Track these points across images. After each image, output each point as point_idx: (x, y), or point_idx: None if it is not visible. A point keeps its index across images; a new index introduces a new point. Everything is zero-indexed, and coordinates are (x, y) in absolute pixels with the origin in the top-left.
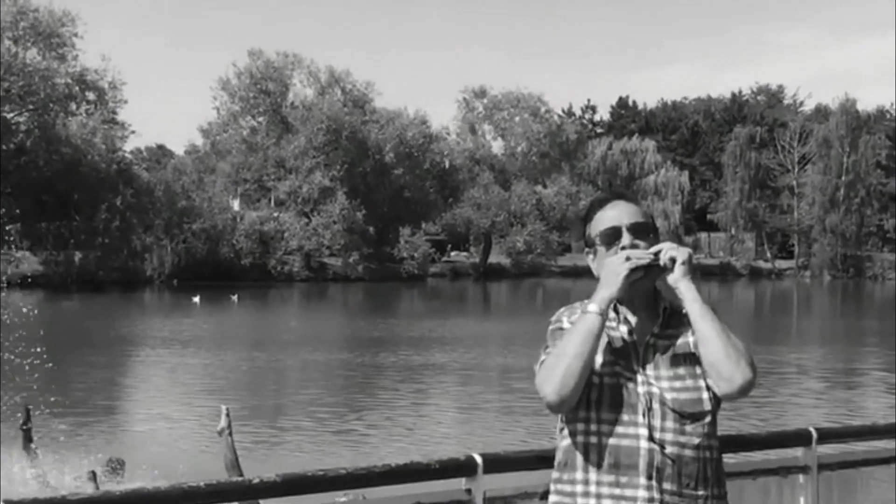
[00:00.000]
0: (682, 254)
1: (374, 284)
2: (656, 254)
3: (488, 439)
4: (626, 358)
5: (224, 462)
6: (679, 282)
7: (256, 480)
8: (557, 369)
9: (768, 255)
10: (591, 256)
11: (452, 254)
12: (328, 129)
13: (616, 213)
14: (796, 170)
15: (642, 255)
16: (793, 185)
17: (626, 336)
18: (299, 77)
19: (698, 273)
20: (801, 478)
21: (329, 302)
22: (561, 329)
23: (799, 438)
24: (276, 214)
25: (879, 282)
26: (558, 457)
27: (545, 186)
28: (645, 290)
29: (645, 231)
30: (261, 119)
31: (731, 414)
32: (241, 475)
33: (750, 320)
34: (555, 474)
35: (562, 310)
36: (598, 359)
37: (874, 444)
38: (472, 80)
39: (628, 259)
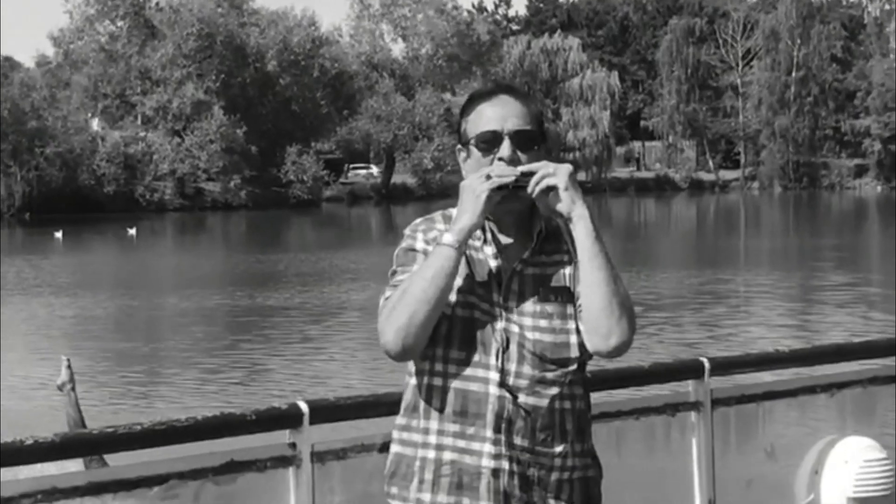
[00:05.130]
0: (561, 178)
1: (259, 212)
2: (525, 174)
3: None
4: (486, 287)
5: (67, 420)
6: (572, 211)
7: (29, 442)
8: (401, 314)
9: (711, 165)
10: (463, 155)
11: (356, 172)
12: (200, 34)
13: (498, 113)
14: (741, 66)
15: (506, 173)
16: (737, 83)
17: (490, 260)
18: None
19: (604, 199)
20: (692, 416)
21: (207, 234)
22: (413, 250)
23: (689, 370)
24: (142, 134)
25: (837, 191)
26: (405, 398)
27: (454, 94)
28: (518, 211)
29: (530, 141)
30: (121, 23)
31: (660, 357)
32: None
33: (691, 241)
34: (400, 419)
35: (417, 222)
36: (453, 285)
37: (779, 374)
38: None
39: (489, 178)
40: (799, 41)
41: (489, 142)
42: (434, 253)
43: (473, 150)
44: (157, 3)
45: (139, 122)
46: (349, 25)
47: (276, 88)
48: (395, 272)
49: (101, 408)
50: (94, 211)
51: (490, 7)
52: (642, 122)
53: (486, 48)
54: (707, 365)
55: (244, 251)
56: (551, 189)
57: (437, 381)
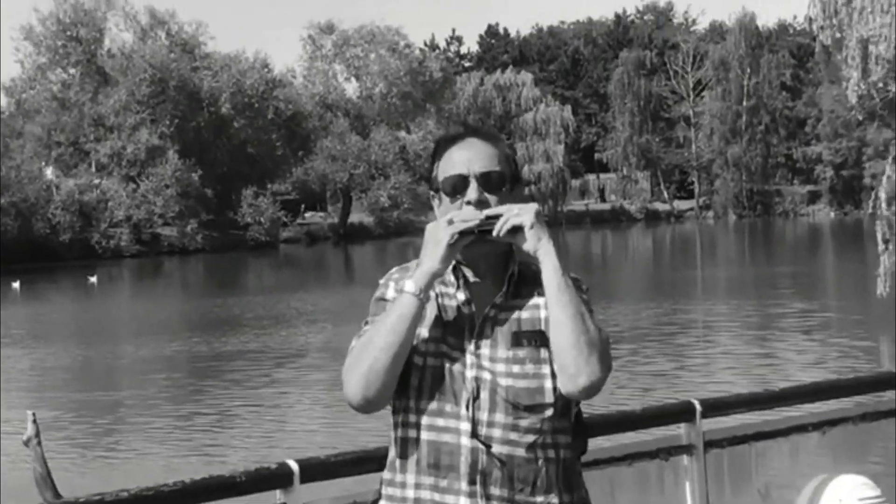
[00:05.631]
0: (527, 217)
1: (216, 256)
2: (491, 217)
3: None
4: (457, 334)
5: (34, 476)
6: (538, 249)
7: None
8: (362, 364)
9: (665, 195)
10: (436, 202)
11: (307, 215)
12: (153, 80)
13: (466, 156)
14: (692, 97)
15: (470, 217)
16: (689, 114)
17: (462, 305)
18: (115, 20)
19: (560, 233)
20: (685, 459)
21: (169, 279)
22: (384, 300)
23: (680, 413)
24: (97, 181)
25: (791, 218)
26: (390, 451)
27: (409, 132)
28: (492, 253)
29: (499, 183)
30: (73, 71)
31: (634, 391)
32: (55, 490)
33: (648, 272)
34: (385, 474)
35: (392, 271)
36: (424, 334)
37: (769, 414)
38: (317, 14)
39: (451, 223)
40: (749, 70)
41: (456, 186)
42: (396, 301)
43: (443, 194)
44: (109, 50)
45: (93, 169)
46: (302, 67)
47: (231, 131)
48: (366, 322)
49: (69, 461)
50: (50, 260)
51: (442, 44)
52: (596, 155)
53: (440, 85)
54: (698, 407)
55: (207, 296)
56: (518, 229)
57: (412, 433)
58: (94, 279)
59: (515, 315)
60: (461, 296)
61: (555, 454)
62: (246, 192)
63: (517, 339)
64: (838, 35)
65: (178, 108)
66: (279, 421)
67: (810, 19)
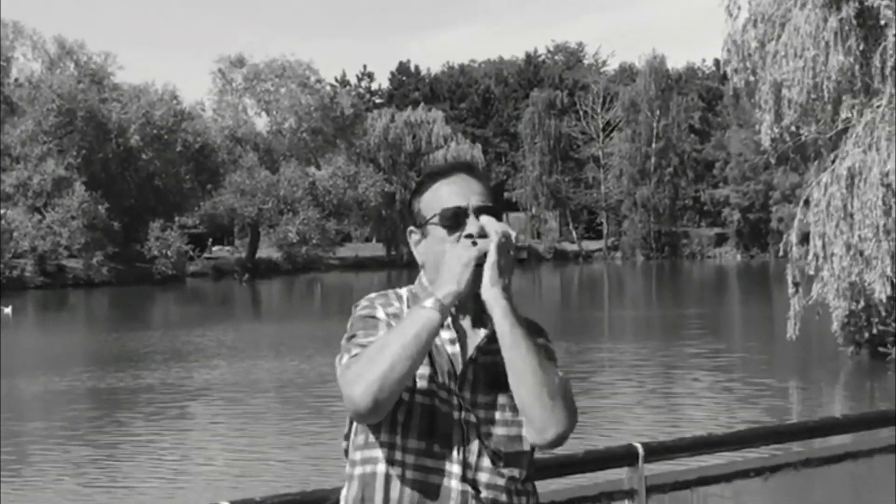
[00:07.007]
0: (490, 252)
1: (122, 289)
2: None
3: (268, 477)
4: (443, 373)
5: None
6: (487, 290)
7: None
8: (377, 366)
9: (574, 235)
10: (415, 237)
11: (214, 249)
12: (60, 110)
13: (459, 190)
14: (601, 138)
15: (488, 242)
16: (598, 155)
17: (447, 346)
18: (23, 50)
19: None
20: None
21: (71, 311)
22: (374, 318)
23: (623, 457)
24: (2, 211)
25: (697, 260)
26: (352, 490)
27: (319, 167)
28: (475, 291)
29: (494, 217)
30: None
31: None
32: None
33: (556, 311)
34: None
35: (372, 296)
36: None
37: (710, 459)
38: (228, 48)
39: (475, 244)
40: (658, 112)
41: (455, 217)
42: (415, 314)
43: (434, 228)
44: (17, 80)
45: None
46: (212, 100)
47: (139, 163)
48: (354, 336)
49: None
50: None
51: (353, 81)
52: (506, 194)
53: (350, 121)
54: (641, 451)
55: (113, 329)
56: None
57: (395, 471)
58: (8, 310)
59: (493, 359)
60: (446, 335)
61: (526, 500)
62: (153, 224)
63: (497, 385)
64: (752, 78)
65: (86, 139)
66: (182, 457)
67: (722, 62)
